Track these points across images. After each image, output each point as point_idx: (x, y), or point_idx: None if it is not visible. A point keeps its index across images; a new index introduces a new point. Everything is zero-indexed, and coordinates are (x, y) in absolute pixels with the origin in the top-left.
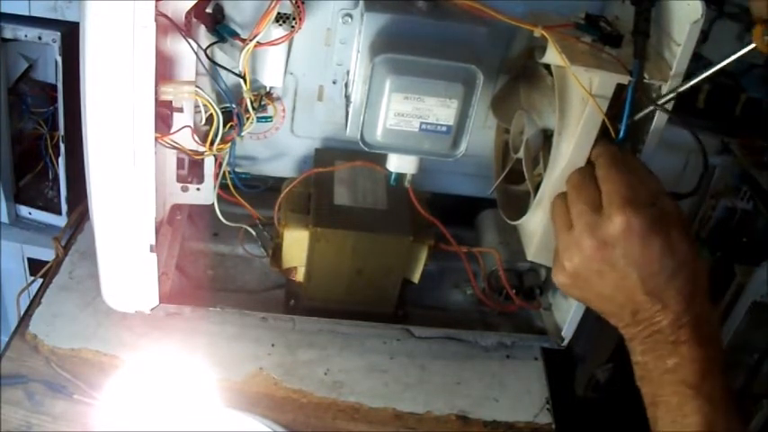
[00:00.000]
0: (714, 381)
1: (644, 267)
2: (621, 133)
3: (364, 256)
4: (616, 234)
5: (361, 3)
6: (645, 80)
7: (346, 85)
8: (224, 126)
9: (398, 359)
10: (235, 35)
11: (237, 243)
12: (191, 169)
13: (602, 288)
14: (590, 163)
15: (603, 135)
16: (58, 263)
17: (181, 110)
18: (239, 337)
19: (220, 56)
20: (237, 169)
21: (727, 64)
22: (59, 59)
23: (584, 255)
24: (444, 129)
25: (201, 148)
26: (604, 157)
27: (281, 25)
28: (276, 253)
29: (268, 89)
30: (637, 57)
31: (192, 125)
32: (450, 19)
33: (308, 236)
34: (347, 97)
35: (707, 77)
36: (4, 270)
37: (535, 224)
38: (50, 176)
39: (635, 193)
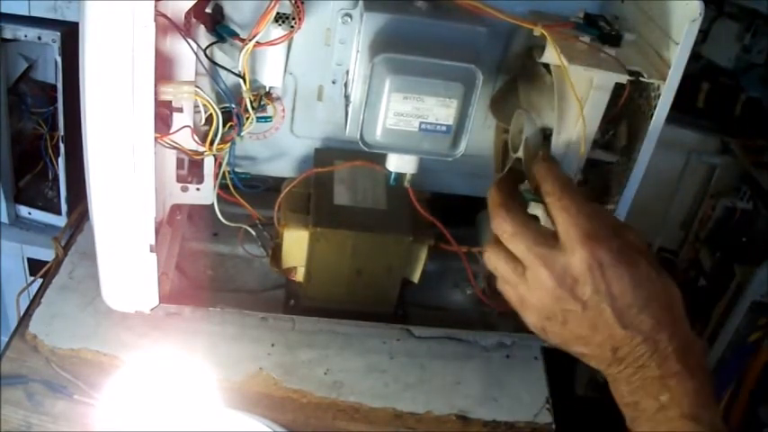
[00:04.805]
0: (712, 410)
1: (617, 300)
2: None
3: (364, 256)
4: (583, 270)
5: (360, 3)
6: (644, 79)
7: (346, 85)
8: (224, 126)
9: (398, 359)
10: (234, 35)
11: (237, 243)
12: (190, 169)
13: (577, 329)
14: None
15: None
16: (57, 263)
17: (180, 110)
18: (239, 337)
19: (220, 56)
20: (237, 169)
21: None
22: (59, 59)
23: (551, 296)
24: (444, 128)
25: (201, 148)
26: (554, 184)
27: (280, 25)
28: (276, 253)
29: (267, 89)
30: None
31: (191, 125)
32: (449, 19)
33: (308, 236)
34: (347, 97)
35: None
36: (4, 270)
37: None
38: (50, 176)
39: (595, 224)
